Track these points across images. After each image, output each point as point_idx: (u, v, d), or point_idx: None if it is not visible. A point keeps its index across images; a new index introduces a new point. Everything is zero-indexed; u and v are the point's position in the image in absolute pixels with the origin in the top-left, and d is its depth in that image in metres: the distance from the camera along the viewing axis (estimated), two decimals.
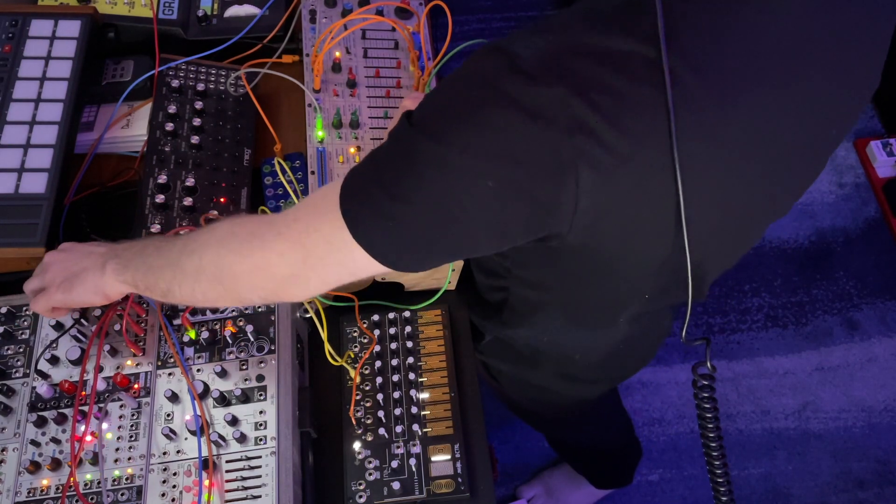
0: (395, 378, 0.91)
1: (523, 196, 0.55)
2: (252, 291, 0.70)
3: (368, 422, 0.88)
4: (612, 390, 1.41)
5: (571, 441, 1.50)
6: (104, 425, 0.82)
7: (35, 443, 0.81)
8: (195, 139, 1.02)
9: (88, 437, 0.80)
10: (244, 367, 0.85)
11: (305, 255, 0.64)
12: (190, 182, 0.98)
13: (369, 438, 0.87)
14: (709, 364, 0.68)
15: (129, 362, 0.86)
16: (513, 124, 0.52)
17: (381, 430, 0.87)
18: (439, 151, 0.55)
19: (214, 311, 0.88)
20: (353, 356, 0.93)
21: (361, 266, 0.62)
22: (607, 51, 0.52)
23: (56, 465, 0.80)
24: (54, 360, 0.86)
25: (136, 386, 0.84)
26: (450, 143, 0.54)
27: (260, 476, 0.79)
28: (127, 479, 0.79)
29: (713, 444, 0.72)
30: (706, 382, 0.70)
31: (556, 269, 0.73)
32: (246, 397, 0.83)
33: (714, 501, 0.76)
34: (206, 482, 0.78)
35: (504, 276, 0.87)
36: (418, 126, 0.57)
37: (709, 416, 0.71)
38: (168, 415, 0.83)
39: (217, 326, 0.88)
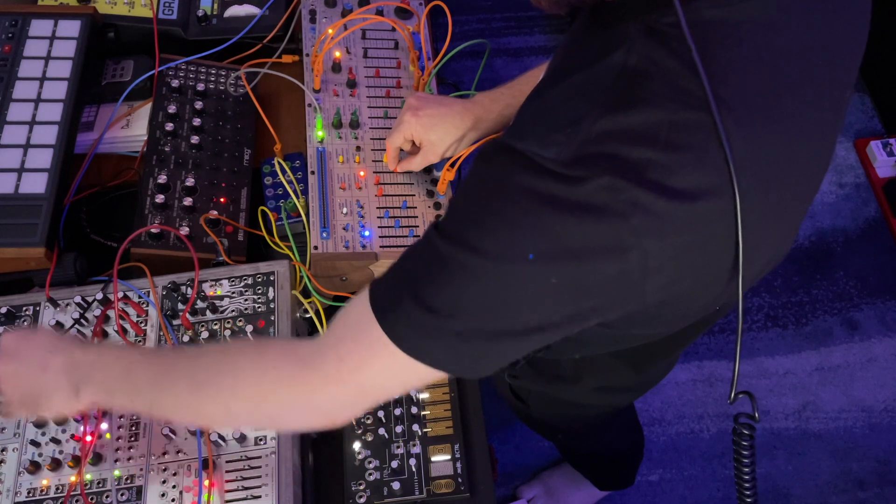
0: None
1: (591, 286, 0.54)
2: (300, 425, 0.71)
3: (368, 422, 0.88)
4: None
5: (584, 448, 1.49)
6: (104, 425, 0.82)
7: (35, 443, 0.81)
8: (195, 139, 1.02)
9: (88, 437, 0.81)
10: None
11: (363, 392, 0.64)
12: (190, 182, 0.98)
13: (369, 438, 0.87)
14: (756, 415, 0.68)
15: None
16: (566, 223, 0.51)
17: (381, 430, 0.87)
18: (493, 265, 0.54)
19: (214, 311, 0.88)
20: None
21: (425, 378, 0.61)
22: (636, 126, 0.51)
23: (56, 465, 0.80)
24: None
25: None
26: (503, 255, 0.53)
27: (260, 476, 0.79)
28: (127, 479, 0.79)
29: (747, 489, 0.72)
30: (747, 432, 0.70)
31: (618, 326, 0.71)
32: None
33: None
34: (206, 482, 0.78)
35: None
36: (460, 244, 0.55)
37: (746, 460, 0.71)
38: None
39: (217, 326, 0.88)
